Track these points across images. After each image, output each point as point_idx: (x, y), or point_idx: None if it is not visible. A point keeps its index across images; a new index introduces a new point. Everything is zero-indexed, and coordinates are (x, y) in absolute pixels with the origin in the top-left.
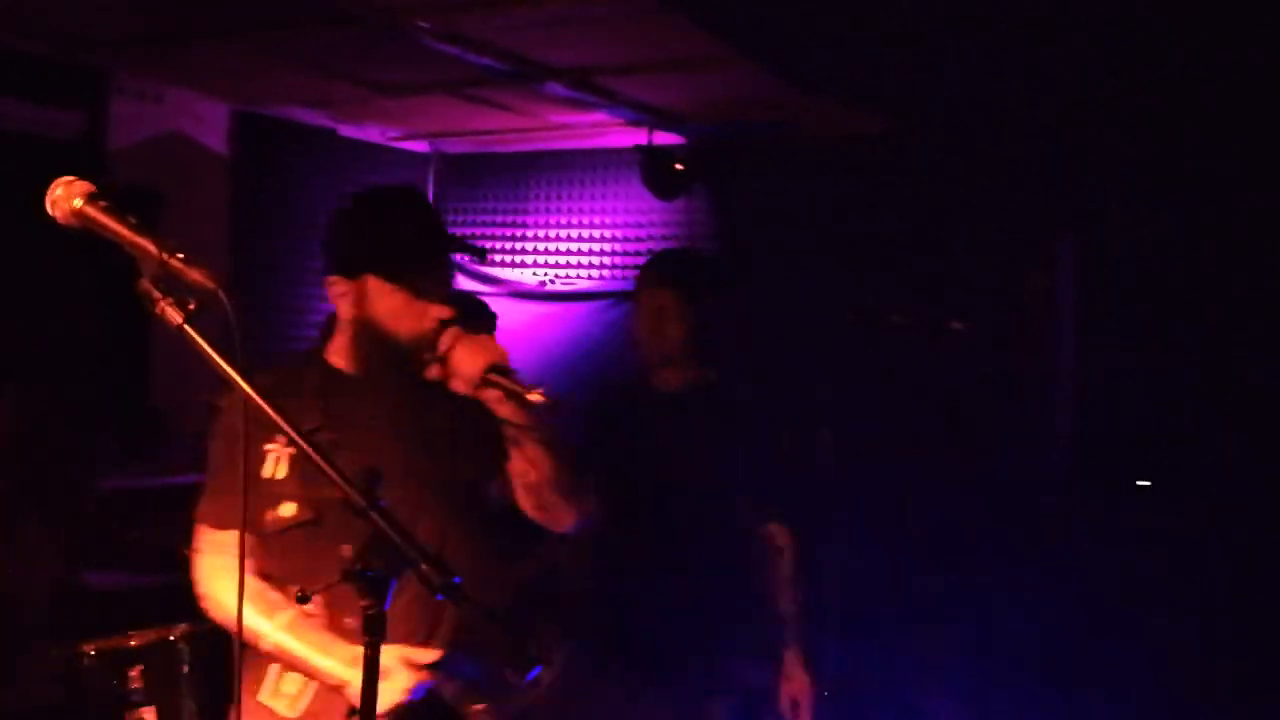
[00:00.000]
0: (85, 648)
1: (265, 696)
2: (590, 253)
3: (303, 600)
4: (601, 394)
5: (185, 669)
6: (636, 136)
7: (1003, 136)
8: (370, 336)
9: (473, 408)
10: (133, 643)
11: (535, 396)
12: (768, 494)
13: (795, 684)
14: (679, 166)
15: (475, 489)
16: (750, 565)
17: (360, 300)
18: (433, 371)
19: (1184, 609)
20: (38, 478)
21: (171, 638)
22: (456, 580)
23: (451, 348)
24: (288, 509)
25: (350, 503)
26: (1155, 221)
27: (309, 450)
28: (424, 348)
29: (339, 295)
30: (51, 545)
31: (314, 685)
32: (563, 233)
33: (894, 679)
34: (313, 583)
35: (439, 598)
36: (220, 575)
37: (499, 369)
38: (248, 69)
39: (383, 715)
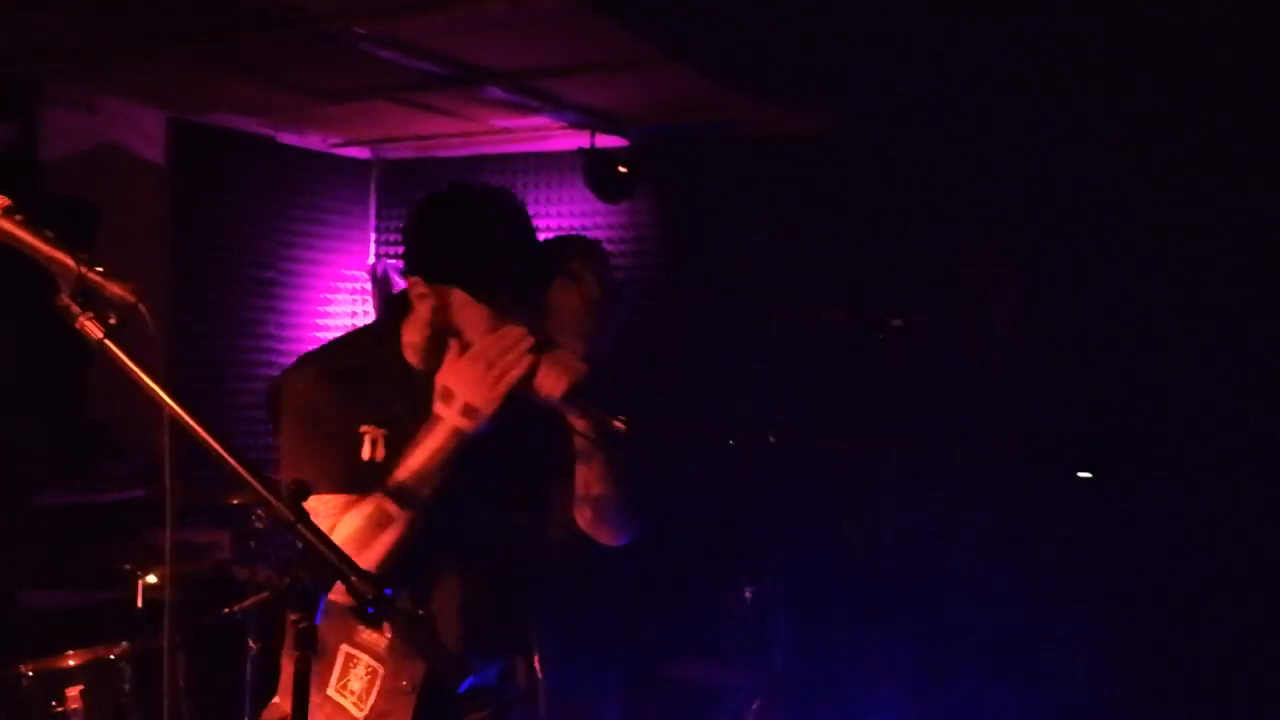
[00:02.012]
0: (22, 668)
1: (333, 690)
2: None
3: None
4: None
5: (127, 688)
6: (579, 140)
7: (941, 134)
8: (447, 341)
9: (547, 415)
10: (71, 662)
11: (618, 424)
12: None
13: None
14: (622, 169)
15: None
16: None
17: (441, 306)
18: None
19: (1128, 601)
20: None
21: (112, 656)
22: (388, 592)
23: (535, 364)
24: None
25: (277, 516)
26: (1099, 217)
27: (234, 462)
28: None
29: (419, 296)
30: None
31: (379, 683)
32: None
33: (840, 673)
34: (418, 564)
35: (369, 611)
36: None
37: (581, 389)
38: (183, 77)
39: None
